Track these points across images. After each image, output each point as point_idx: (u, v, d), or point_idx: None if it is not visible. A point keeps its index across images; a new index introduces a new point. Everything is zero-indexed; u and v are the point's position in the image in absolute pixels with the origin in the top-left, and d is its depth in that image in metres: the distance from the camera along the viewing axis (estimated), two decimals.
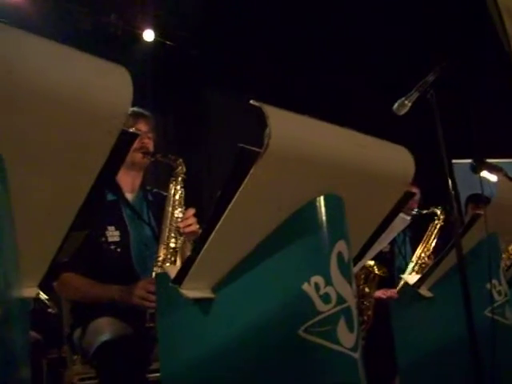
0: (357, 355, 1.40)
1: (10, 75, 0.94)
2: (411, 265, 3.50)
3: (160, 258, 2.25)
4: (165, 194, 2.44)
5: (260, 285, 1.40)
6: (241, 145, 1.30)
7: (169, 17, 5.80)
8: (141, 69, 5.42)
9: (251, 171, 1.25)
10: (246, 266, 1.42)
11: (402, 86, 2.34)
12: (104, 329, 2.09)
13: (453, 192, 2.14)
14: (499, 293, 2.31)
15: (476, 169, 2.56)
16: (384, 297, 3.48)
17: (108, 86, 1.07)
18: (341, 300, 1.39)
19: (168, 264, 2.23)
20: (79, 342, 2.26)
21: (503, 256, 2.87)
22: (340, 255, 1.43)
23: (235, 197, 1.29)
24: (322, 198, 1.43)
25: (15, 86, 0.95)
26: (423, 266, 3.44)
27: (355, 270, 1.81)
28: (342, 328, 1.37)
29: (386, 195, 1.67)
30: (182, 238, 2.31)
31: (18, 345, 1.04)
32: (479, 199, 2.52)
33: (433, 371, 2.42)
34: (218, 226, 1.32)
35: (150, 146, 2.49)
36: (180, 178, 2.39)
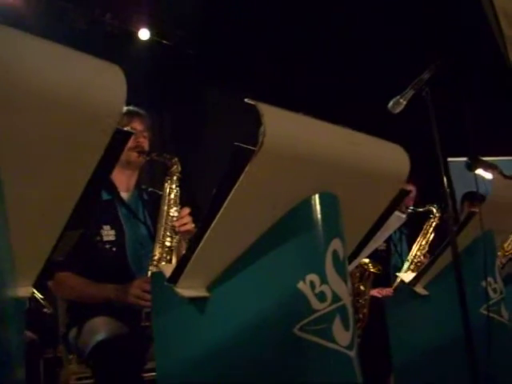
0: (352, 353, 1.40)
1: (6, 75, 0.93)
2: (407, 263, 3.51)
3: (155, 257, 2.25)
4: (160, 192, 2.43)
5: (255, 283, 1.40)
6: (236, 143, 1.30)
7: (164, 16, 5.79)
8: (136, 68, 5.40)
9: (246, 169, 1.25)
10: (241, 265, 1.42)
11: (397, 83, 2.34)
12: (99, 328, 2.08)
13: (448, 190, 2.14)
14: (494, 290, 2.31)
15: (471, 167, 2.57)
16: (379, 295, 3.48)
17: (102, 84, 1.07)
18: (336, 298, 1.39)
19: (163, 263, 2.23)
20: (75, 342, 2.26)
21: (498, 253, 2.88)
22: (335, 253, 1.42)
23: (230, 195, 1.28)
24: (317, 196, 1.43)
25: (11, 85, 0.95)
26: (419, 264, 3.44)
27: (351, 268, 1.81)
28: (337, 326, 1.37)
29: (381, 193, 1.67)
30: (177, 236, 2.30)
31: (13, 345, 1.04)
32: (475, 197, 2.52)
33: (428, 369, 2.42)
34: (212, 225, 1.32)
35: (146, 144, 2.49)
36: (175, 177, 2.39)
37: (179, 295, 1.43)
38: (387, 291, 3.47)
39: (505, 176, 2.57)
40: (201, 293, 1.45)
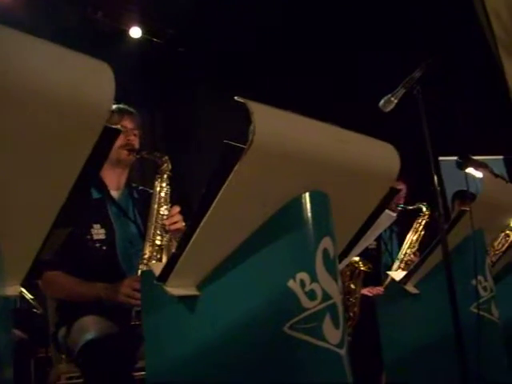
0: (342, 352, 1.40)
1: None
2: (397, 261, 3.52)
3: (146, 256, 2.24)
4: (150, 191, 2.42)
5: (245, 282, 1.39)
6: (226, 141, 1.30)
7: (156, 14, 5.78)
8: (128, 66, 5.38)
9: (235, 167, 1.24)
10: (231, 263, 1.41)
11: (388, 82, 2.34)
12: (89, 327, 2.07)
13: (439, 188, 2.15)
14: (485, 289, 2.32)
15: (462, 165, 2.57)
16: (370, 294, 3.49)
17: (90, 81, 1.06)
18: (326, 296, 1.38)
19: (154, 261, 2.22)
20: (64, 341, 2.25)
21: (489, 252, 2.89)
22: (325, 252, 1.42)
23: (220, 193, 1.28)
24: (307, 194, 1.43)
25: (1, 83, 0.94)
26: (409, 262, 3.45)
27: (341, 266, 1.81)
28: (327, 324, 1.37)
29: (372, 192, 1.67)
30: (167, 235, 2.29)
31: (0, 344, 1.03)
32: (465, 196, 2.53)
33: (419, 367, 2.43)
34: (202, 223, 1.32)
35: (136, 143, 2.48)
36: (165, 176, 2.37)
37: (169, 294, 1.43)
38: (378, 290, 3.47)
39: (495, 175, 2.58)
40: (191, 291, 1.45)
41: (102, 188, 2.43)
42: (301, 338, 1.33)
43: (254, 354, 1.37)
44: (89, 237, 2.31)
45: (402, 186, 3.73)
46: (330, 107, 4.58)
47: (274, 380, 1.34)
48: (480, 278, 2.30)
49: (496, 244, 3.11)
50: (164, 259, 2.26)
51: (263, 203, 1.38)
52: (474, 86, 5.45)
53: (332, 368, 1.38)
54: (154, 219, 2.31)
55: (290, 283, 1.35)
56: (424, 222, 3.60)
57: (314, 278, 1.37)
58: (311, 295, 1.36)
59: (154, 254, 2.25)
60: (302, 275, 1.36)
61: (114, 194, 2.47)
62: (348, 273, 3.46)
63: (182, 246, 1.38)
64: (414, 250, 3.54)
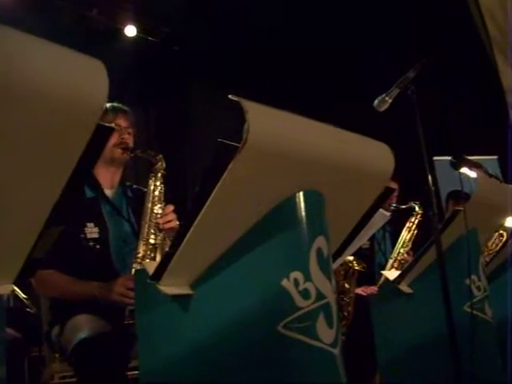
0: (336, 351, 1.40)
1: None
2: (391, 261, 3.52)
3: (139, 255, 2.23)
4: (144, 189, 2.42)
5: (239, 281, 1.39)
6: (220, 139, 1.30)
7: (150, 12, 5.76)
8: (122, 64, 5.38)
9: (230, 166, 1.24)
10: (225, 262, 1.41)
11: (383, 81, 2.34)
12: (82, 326, 2.07)
13: (433, 188, 2.15)
14: (478, 288, 2.32)
15: (456, 165, 2.57)
16: (364, 294, 3.49)
17: (84, 79, 1.06)
18: (320, 296, 1.38)
19: (147, 260, 2.22)
20: (57, 340, 2.24)
21: (483, 252, 2.90)
22: (319, 251, 1.42)
23: (214, 192, 1.28)
24: (301, 193, 1.43)
25: None
26: (402, 262, 3.45)
27: (335, 266, 1.80)
28: (321, 324, 1.37)
29: (366, 191, 1.67)
30: (161, 234, 2.29)
31: None
32: (459, 195, 2.53)
33: (412, 367, 2.43)
34: (196, 222, 1.31)
35: (130, 141, 2.47)
36: (160, 174, 2.37)
37: (162, 293, 1.42)
38: (372, 289, 3.47)
39: (489, 175, 2.58)
40: (184, 290, 1.44)
41: (96, 187, 2.42)
42: (294, 337, 1.33)
43: (248, 353, 1.37)
44: (82, 235, 2.30)
45: (394, 185, 3.73)
46: (324, 106, 4.58)
47: (267, 379, 1.34)
48: (474, 277, 2.30)
49: (490, 244, 3.12)
50: (158, 258, 2.25)
51: (257, 202, 1.38)
52: (469, 86, 5.47)
53: (325, 367, 1.38)
54: (147, 218, 2.30)
55: (284, 282, 1.35)
56: (417, 221, 3.60)
57: (307, 278, 1.37)
58: (305, 294, 1.36)
59: (148, 252, 2.24)
60: (296, 274, 1.36)
61: (108, 192, 2.46)
62: (342, 272, 3.46)
63: (175, 245, 1.37)
64: (407, 249, 3.54)
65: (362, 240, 2.00)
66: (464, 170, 2.58)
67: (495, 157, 5.36)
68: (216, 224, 1.35)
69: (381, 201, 1.75)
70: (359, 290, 3.53)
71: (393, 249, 3.61)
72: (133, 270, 2.21)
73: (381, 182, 1.69)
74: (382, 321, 2.53)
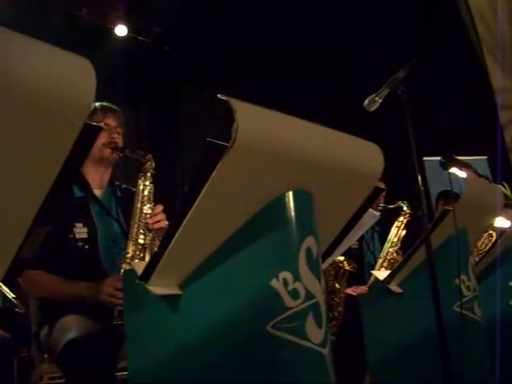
0: (325, 351, 1.39)
1: None
2: (380, 260, 3.52)
3: (128, 255, 2.22)
4: (134, 189, 2.41)
5: (228, 281, 1.39)
6: (209, 139, 1.29)
7: (141, 12, 5.75)
8: (113, 64, 5.36)
9: (218, 166, 1.24)
10: (214, 262, 1.40)
11: (373, 81, 2.35)
12: (71, 327, 2.05)
13: (422, 188, 2.15)
14: (468, 288, 2.33)
15: (446, 166, 2.58)
16: (355, 294, 3.49)
17: (71, 77, 1.05)
18: (309, 296, 1.38)
19: (137, 260, 2.21)
20: (46, 340, 2.22)
21: (473, 252, 2.91)
22: (309, 251, 1.42)
23: (202, 191, 1.27)
24: (290, 193, 1.42)
25: None
26: (392, 261, 3.46)
27: (324, 266, 1.80)
28: (310, 324, 1.37)
29: (356, 191, 1.66)
30: (150, 234, 2.28)
31: None
32: (449, 195, 2.54)
33: (402, 367, 2.43)
34: (185, 222, 1.31)
35: (119, 141, 2.46)
36: (149, 174, 2.36)
37: (151, 293, 1.41)
38: (362, 289, 3.47)
39: (479, 175, 2.59)
40: (173, 290, 1.44)
41: (85, 186, 2.40)
42: (284, 337, 1.33)
43: (237, 353, 1.36)
44: (71, 235, 2.29)
45: (382, 186, 3.73)
46: (313, 106, 4.58)
47: (256, 379, 1.34)
48: (463, 277, 2.31)
49: (479, 244, 3.13)
50: (147, 258, 2.24)
51: (246, 202, 1.37)
52: (459, 87, 5.49)
53: (315, 367, 1.38)
54: (137, 218, 2.29)
55: (273, 282, 1.34)
56: (405, 220, 3.61)
57: (297, 278, 1.37)
58: (294, 294, 1.36)
59: (137, 252, 2.24)
60: (285, 274, 1.36)
61: (97, 192, 2.45)
62: (332, 272, 3.46)
63: (164, 245, 1.37)
64: (396, 248, 3.54)
65: (351, 240, 2.01)
66: (454, 170, 2.59)
67: (485, 157, 5.38)
68: (205, 224, 1.34)
69: (370, 201, 1.75)
70: (349, 290, 3.53)
71: (381, 249, 3.61)
72: (122, 270, 2.20)
73: (370, 182, 1.69)
74: (371, 321, 2.53)
